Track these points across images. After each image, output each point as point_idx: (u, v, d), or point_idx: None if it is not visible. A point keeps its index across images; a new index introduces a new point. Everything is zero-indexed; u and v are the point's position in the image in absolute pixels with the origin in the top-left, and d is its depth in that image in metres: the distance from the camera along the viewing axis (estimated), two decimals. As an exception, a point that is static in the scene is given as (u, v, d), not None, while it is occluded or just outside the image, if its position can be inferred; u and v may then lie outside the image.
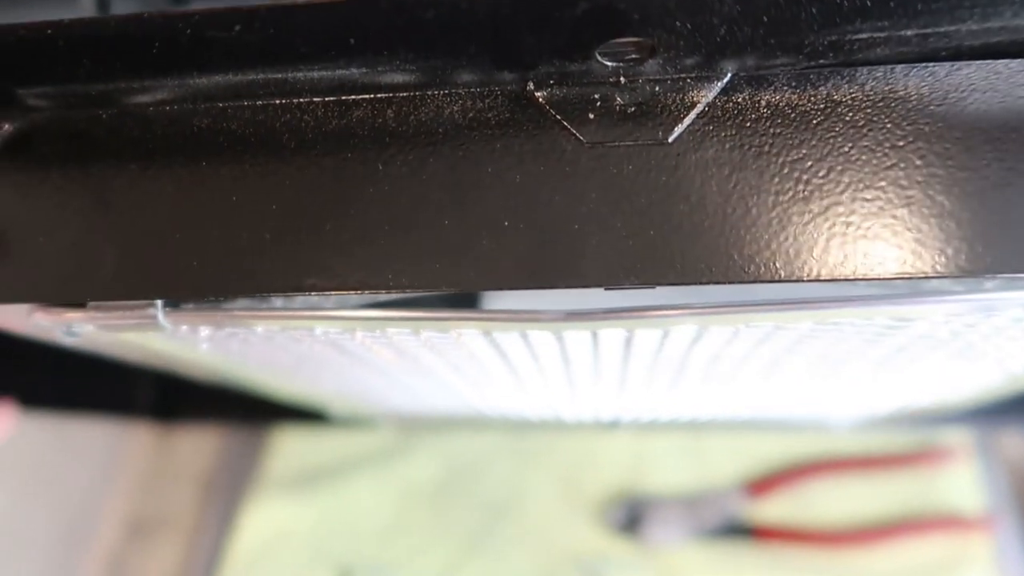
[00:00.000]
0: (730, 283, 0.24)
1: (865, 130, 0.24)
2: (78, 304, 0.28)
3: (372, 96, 0.26)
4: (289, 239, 0.26)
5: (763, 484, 0.68)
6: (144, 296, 0.27)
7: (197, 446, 0.79)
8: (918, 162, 0.24)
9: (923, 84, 0.24)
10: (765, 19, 0.22)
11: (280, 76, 0.25)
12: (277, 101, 0.26)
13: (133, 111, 0.27)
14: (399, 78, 0.25)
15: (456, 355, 0.37)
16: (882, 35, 0.23)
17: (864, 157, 0.24)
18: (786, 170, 0.24)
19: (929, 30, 0.23)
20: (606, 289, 0.25)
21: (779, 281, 0.24)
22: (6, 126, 0.27)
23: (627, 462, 0.72)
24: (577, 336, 0.32)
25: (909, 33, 0.23)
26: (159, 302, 0.28)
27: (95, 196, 0.27)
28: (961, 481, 0.66)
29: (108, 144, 0.27)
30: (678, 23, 0.22)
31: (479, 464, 0.74)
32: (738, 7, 0.22)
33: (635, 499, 0.69)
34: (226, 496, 0.75)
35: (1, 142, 0.27)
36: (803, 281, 0.24)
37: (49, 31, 0.23)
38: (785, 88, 0.25)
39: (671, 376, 0.42)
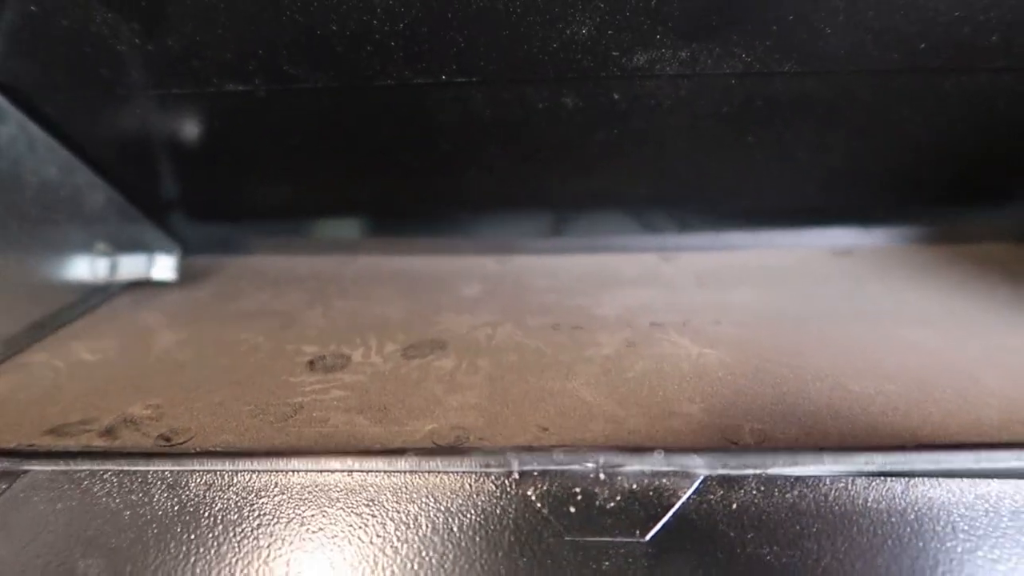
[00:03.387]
0: None
1: (829, 539, 0.25)
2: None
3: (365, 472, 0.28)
4: None
5: None
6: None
7: None
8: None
9: (881, 499, 0.26)
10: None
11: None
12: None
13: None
14: (396, 464, 0.27)
15: None
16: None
17: (823, 561, 0.25)
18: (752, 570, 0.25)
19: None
20: None
21: None
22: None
23: None
24: None
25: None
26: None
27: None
28: None
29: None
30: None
31: None
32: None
33: None
34: None
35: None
36: None
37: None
38: (753, 491, 0.26)
39: None
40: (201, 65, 0.36)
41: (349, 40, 0.34)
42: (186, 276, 0.48)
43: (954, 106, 0.38)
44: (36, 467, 0.28)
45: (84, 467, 0.28)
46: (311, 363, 0.35)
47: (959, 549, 0.25)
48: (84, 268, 0.44)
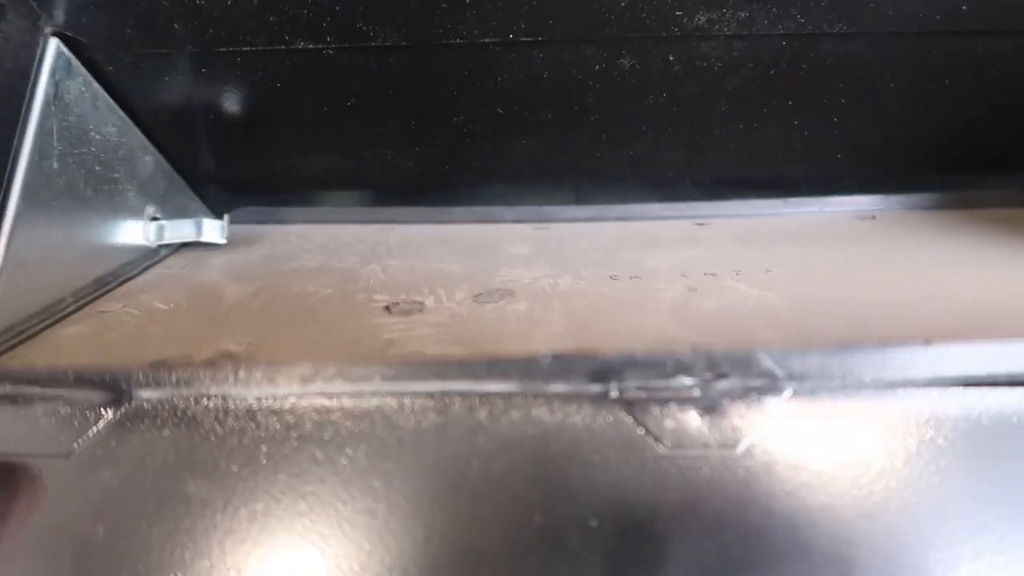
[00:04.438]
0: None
1: (902, 442, 0.27)
2: None
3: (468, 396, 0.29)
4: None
5: None
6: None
7: None
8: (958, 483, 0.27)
9: (975, 407, 0.28)
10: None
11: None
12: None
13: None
14: (495, 387, 0.29)
15: None
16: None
17: (910, 463, 0.27)
18: (840, 473, 0.27)
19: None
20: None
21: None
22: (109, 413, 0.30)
23: None
24: None
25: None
26: None
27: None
28: None
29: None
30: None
31: None
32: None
33: None
34: None
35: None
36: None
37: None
38: (841, 403, 0.28)
39: None
40: (276, 20, 0.37)
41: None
42: (232, 242, 0.48)
43: (981, 70, 0.40)
44: (143, 394, 0.29)
45: (190, 393, 0.29)
46: (387, 308, 0.36)
47: (1029, 450, 0.27)
48: (138, 229, 0.44)
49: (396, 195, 0.52)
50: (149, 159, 0.46)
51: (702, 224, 0.50)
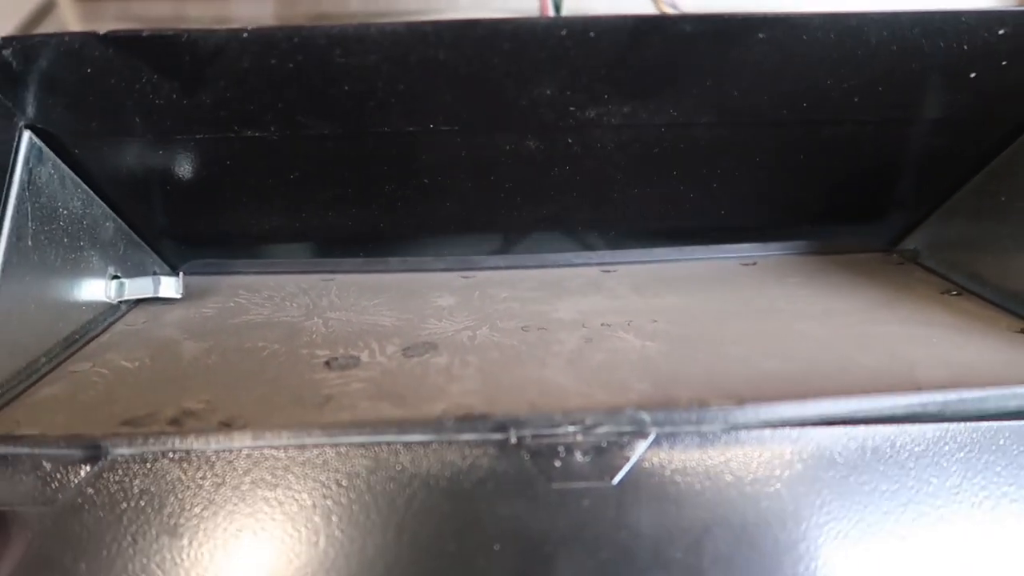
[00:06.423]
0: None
1: (745, 471, 0.35)
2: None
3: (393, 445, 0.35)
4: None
5: None
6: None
7: None
8: (778, 504, 0.34)
9: (784, 443, 0.35)
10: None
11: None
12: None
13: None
14: (416, 437, 0.35)
15: None
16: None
17: (744, 491, 0.34)
18: (695, 508, 0.34)
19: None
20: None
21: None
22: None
23: None
24: None
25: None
26: None
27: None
28: None
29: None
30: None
31: None
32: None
33: None
34: None
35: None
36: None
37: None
38: (692, 446, 0.35)
39: None
40: (227, 115, 0.43)
41: (355, 98, 0.41)
42: (187, 294, 0.53)
43: (830, 148, 0.48)
44: (117, 451, 0.34)
45: (157, 448, 0.34)
46: (327, 363, 0.42)
47: (838, 477, 0.34)
48: (100, 288, 0.49)
49: (337, 247, 0.58)
50: (110, 225, 0.51)
51: (608, 271, 0.57)
